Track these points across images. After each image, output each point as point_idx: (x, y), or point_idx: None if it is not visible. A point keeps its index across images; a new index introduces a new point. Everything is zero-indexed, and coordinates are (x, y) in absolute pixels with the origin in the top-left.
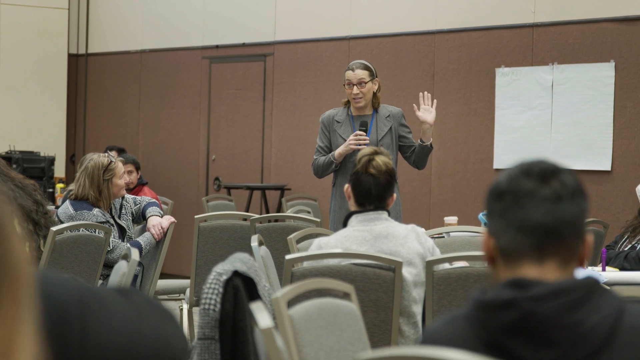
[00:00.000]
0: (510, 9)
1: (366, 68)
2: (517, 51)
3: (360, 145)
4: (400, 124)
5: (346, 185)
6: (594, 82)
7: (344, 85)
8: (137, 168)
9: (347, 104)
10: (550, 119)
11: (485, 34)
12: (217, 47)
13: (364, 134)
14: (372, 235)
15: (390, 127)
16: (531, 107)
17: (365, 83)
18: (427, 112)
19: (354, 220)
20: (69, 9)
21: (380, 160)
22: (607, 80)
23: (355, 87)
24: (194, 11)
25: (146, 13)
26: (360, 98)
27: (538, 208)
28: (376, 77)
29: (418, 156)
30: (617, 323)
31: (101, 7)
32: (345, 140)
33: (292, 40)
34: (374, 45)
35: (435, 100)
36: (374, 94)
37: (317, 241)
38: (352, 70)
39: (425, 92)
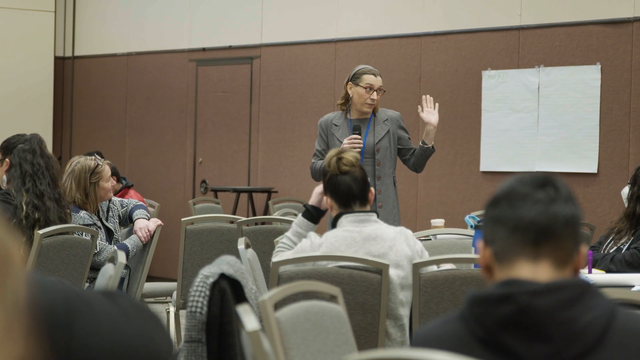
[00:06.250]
0: (497, 11)
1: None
2: (504, 54)
3: (355, 148)
4: (399, 126)
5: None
6: (580, 85)
7: (347, 85)
8: (115, 174)
9: (344, 106)
10: (536, 122)
11: (472, 37)
12: (203, 49)
13: (359, 137)
14: (362, 237)
15: (388, 131)
16: (517, 110)
17: (383, 91)
18: (430, 114)
19: (344, 220)
20: (55, 11)
21: (348, 155)
22: (594, 82)
23: (375, 92)
24: (181, 14)
25: (133, 16)
26: (373, 104)
27: (532, 208)
28: None
29: (418, 158)
30: (610, 323)
31: (88, 10)
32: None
33: (278, 43)
34: (360, 47)
35: (437, 104)
36: None
37: (305, 242)
38: (375, 75)
39: (428, 96)
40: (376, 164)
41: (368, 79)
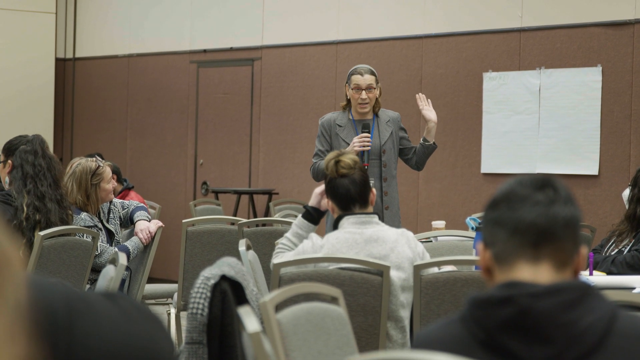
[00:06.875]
0: (498, 13)
1: (373, 73)
2: (505, 56)
3: (364, 147)
4: (400, 127)
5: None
6: (581, 87)
7: (345, 87)
8: (116, 172)
9: (347, 107)
10: (537, 124)
11: (473, 39)
12: (204, 51)
13: (369, 135)
14: (363, 238)
15: (392, 132)
16: (519, 112)
17: (374, 89)
18: (429, 111)
19: (345, 222)
20: (56, 13)
21: (347, 158)
22: (594, 84)
23: (363, 92)
24: (182, 15)
25: (133, 17)
26: (367, 103)
27: (531, 210)
28: (378, 82)
29: (420, 156)
30: (611, 326)
31: (89, 11)
32: (349, 144)
33: (279, 45)
34: (361, 49)
35: (429, 100)
36: (376, 99)
37: (307, 243)
38: (361, 74)
39: (420, 94)
40: (382, 165)
41: (355, 79)
